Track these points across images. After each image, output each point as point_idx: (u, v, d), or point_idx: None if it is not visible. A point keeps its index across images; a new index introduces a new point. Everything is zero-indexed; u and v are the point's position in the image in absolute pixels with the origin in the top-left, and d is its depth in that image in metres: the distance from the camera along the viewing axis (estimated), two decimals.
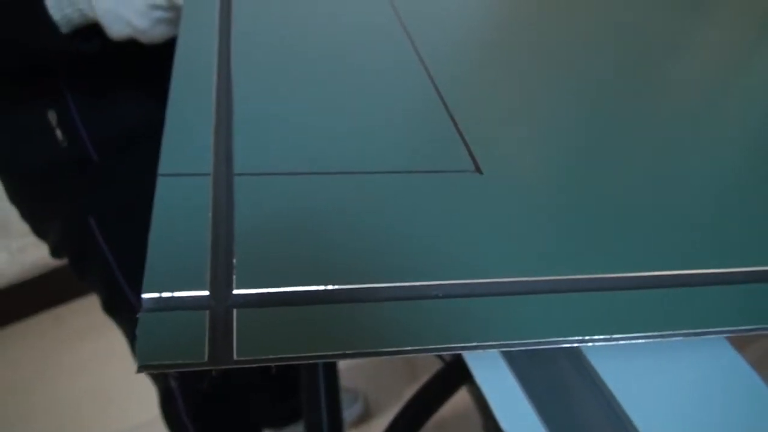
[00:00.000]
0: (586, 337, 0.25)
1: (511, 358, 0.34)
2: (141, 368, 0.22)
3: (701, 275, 0.29)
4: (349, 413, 1.19)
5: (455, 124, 0.35)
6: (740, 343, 0.32)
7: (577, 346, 0.31)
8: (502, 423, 0.31)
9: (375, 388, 1.30)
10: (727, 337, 0.32)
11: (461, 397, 0.79)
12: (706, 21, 0.60)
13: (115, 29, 0.49)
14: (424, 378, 0.72)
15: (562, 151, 0.35)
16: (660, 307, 0.27)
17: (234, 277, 0.25)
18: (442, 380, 0.72)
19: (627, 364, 0.31)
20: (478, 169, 0.32)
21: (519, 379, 0.33)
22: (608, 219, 0.31)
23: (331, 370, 0.61)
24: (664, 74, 0.47)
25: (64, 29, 0.48)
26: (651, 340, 0.26)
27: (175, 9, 0.48)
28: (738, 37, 0.57)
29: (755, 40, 0.58)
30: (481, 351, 0.28)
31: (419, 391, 0.73)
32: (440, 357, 0.76)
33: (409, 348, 0.24)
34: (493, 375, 0.34)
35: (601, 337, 0.26)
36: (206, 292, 0.24)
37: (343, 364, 0.64)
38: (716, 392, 0.30)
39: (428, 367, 0.72)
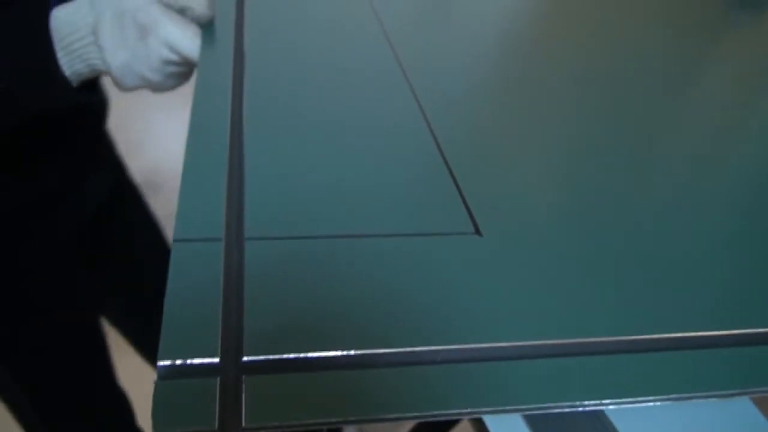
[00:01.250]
0: (577, 402, 0.26)
1: (531, 420, 0.34)
2: None
3: (716, 337, 0.30)
4: None
5: (457, 185, 0.36)
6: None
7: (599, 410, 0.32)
8: None
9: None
10: (752, 397, 0.33)
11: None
12: (711, 60, 0.61)
13: (127, 82, 0.50)
14: None
15: (564, 213, 0.36)
16: (674, 368, 0.28)
17: (244, 343, 0.26)
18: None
19: (649, 425, 0.31)
20: (477, 231, 0.33)
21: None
22: (612, 280, 0.32)
23: None
24: (671, 121, 0.48)
25: (74, 84, 0.50)
26: (666, 402, 0.27)
27: (188, 64, 0.49)
28: (746, 78, 0.58)
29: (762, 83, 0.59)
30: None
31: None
32: None
33: (411, 414, 0.25)
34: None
35: (593, 402, 0.27)
36: (217, 360, 0.25)
37: None
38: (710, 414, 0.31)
39: None
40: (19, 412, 0.74)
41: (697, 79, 0.59)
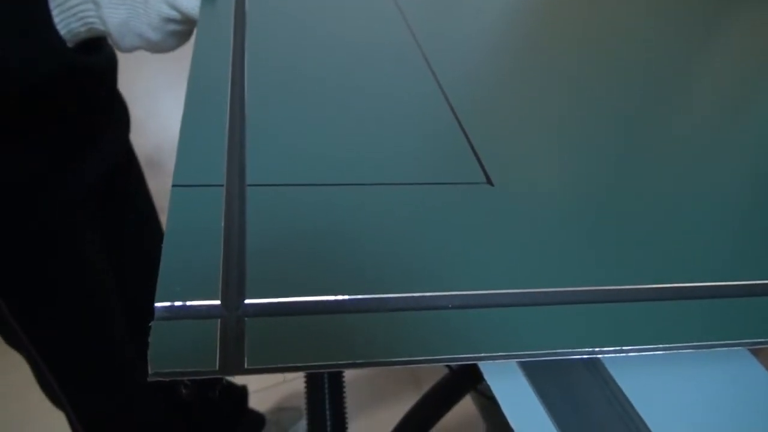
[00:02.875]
0: (596, 349, 0.25)
1: (528, 368, 0.34)
2: (154, 375, 0.22)
3: (719, 287, 0.29)
4: (295, 429, 1.18)
5: (467, 137, 0.35)
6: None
7: (595, 358, 0.31)
8: (514, 426, 0.30)
9: (378, 396, 1.30)
10: (752, 350, 0.32)
11: (465, 406, 0.79)
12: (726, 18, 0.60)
13: (126, 42, 0.49)
14: (427, 386, 0.72)
15: (574, 163, 0.35)
16: (677, 318, 0.27)
17: (246, 286, 0.25)
18: (446, 388, 0.71)
19: (647, 375, 0.31)
20: (489, 181, 0.32)
21: (535, 389, 0.33)
22: (621, 230, 0.31)
23: (337, 381, 0.61)
24: (678, 83, 0.47)
25: (69, 44, 0.48)
26: (665, 352, 0.26)
27: (189, 22, 0.48)
28: (754, 64, 0.57)
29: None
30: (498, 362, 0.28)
31: (423, 398, 0.72)
32: (447, 365, 0.76)
33: (420, 358, 0.24)
34: (508, 385, 0.34)
35: (614, 348, 0.26)
36: (218, 302, 0.24)
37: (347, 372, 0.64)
38: (738, 403, 0.30)
39: (432, 375, 0.72)
40: (37, 370, 0.74)
41: (708, 37, 0.57)
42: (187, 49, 0.46)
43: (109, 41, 0.50)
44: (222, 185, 0.29)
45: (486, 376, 0.34)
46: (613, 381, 0.31)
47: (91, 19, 0.47)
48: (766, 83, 0.52)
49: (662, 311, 0.27)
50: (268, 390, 1.26)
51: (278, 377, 1.28)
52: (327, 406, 0.67)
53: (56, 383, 0.73)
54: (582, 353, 0.25)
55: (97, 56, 0.54)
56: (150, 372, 0.22)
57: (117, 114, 0.74)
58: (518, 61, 0.47)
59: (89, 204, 0.70)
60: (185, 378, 0.22)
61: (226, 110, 0.34)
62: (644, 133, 0.40)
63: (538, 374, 0.34)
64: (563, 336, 0.26)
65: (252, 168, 0.31)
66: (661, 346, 0.26)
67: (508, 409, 0.30)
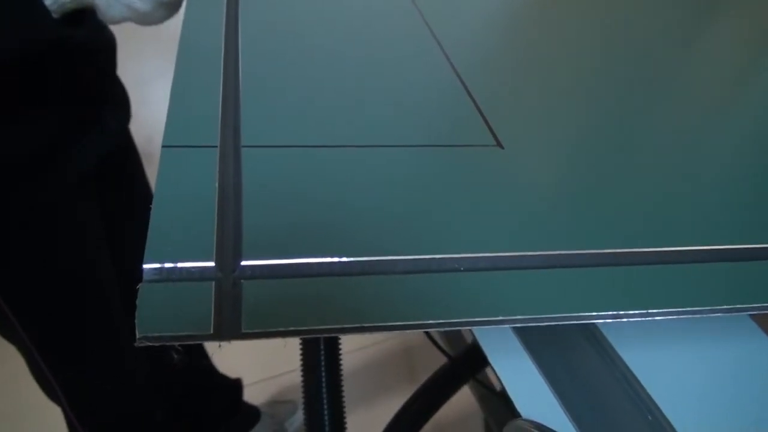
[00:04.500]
0: (605, 313, 0.24)
1: (525, 336, 0.32)
2: (141, 339, 0.20)
3: (721, 251, 0.28)
4: (290, 422, 1.16)
5: (473, 100, 0.33)
6: None
7: (596, 327, 0.30)
8: (517, 402, 0.29)
9: (376, 386, 1.29)
10: (756, 318, 0.31)
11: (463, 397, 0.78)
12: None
13: (114, 12, 0.47)
14: (424, 377, 0.71)
15: (584, 127, 0.34)
16: (680, 282, 0.26)
17: (242, 247, 0.23)
18: (444, 377, 0.70)
19: (649, 344, 0.29)
20: (499, 144, 0.30)
21: (535, 361, 0.31)
22: (630, 194, 0.29)
23: (335, 370, 0.59)
24: (685, 46, 0.45)
25: (55, 15, 0.47)
26: (666, 317, 0.25)
27: None
28: (748, 47, 0.56)
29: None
30: (496, 334, 0.26)
31: (421, 388, 0.71)
32: (445, 353, 0.75)
33: (426, 322, 0.22)
34: (506, 354, 0.32)
35: (620, 312, 0.24)
36: (212, 263, 0.22)
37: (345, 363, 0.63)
38: (740, 370, 0.29)
39: (429, 366, 0.70)
40: (30, 360, 0.71)
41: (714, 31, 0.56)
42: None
43: (98, 13, 0.48)
44: (216, 146, 0.28)
45: (482, 345, 0.32)
46: (612, 348, 0.29)
47: None
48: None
49: (666, 275, 0.26)
50: (263, 383, 1.24)
51: (273, 370, 1.26)
52: (324, 398, 0.65)
53: (49, 372, 0.71)
54: (587, 318, 0.24)
55: (85, 30, 0.51)
56: (137, 336, 0.20)
57: (117, 96, 0.72)
58: (524, 24, 0.45)
59: (88, 186, 0.68)
60: (176, 343, 0.21)
61: (219, 70, 0.32)
62: (652, 97, 0.39)
63: (536, 343, 0.32)
64: (569, 299, 0.24)
65: (247, 129, 0.29)
66: (663, 310, 0.24)
67: (504, 375, 0.29)
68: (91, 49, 0.60)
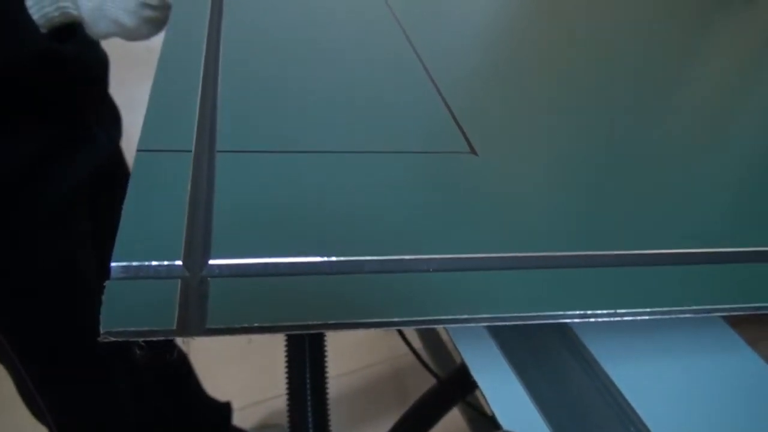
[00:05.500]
0: (569, 312, 0.24)
1: (500, 337, 0.32)
2: (105, 334, 0.20)
3: (693, 254, 0.28)
4: None
5: (449, 108, 0.34)
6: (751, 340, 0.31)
7: (578, 338, 0.29)
8: (498, 414, 0.29)
9: (366, 410, 1.27)
10: (725, 319, 0.31)
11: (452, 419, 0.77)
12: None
13: (100, 28, 0.47)
14: (415, 398, 0.70)
15: (556, 133, 0.34)
16: (651, 284, 0.26)
17: (211, 247, 0.23)
18: (433, 399, 0.69)
19: (623, 345, 0.29)
20: (473, 151, 0.31)
21: (517, 372, 0.31)
22: (601, 198, 0.29)
23: (319, 373, 0.59)
24: (666, 59, 0.46)
25: (43, 30, 0.47)
26: (636, 318, 0.25)
27: (165, 8, 0.47)
28: (745, 57, 0.57)
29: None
30: (478, 346, 0.26)
31: (410, 410, 0.70)
32: (432, 373, 0.74)
33: (392, 320, 0.22)
34: (480, 353, 0.32)
35: (582, 313, 0.24)
36: (179, 262, 0.22)
37: (332, 386, 0.62)
38: (712, 370, 0.29)
39: (421, 388, 0.70)
40: (18, 380, 0.70)
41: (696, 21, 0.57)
42: None
43: (85, 28, 0.49)
44: (190, 151, 0.28)
45: (458, 345, 0.32)
46: (595, 360, 0.29)
47: (64, 3, 0.46)
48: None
49: (638, 277, 0.26)
50: (252, 407, 1.23)
51: (261, 393, 1.24)
52: (309, 418, 0.65)
53: (37, 392, 0.71)
54: (557, 317, 0.24)
55: (74, 44, 0.52)
56: (101, 332, 0.20)
57: (109, 113, 0.72)
58: (502, 32, 0.46)
59: (79, 203, 0.68)
60: (140, 339, 0.20)
61: (198, 76, 0.32)
62: (624, 104, 0.39)
63: (518, 354, 0.32)
64: (540, 300, 0.24)
65: (223, 134, 0.29)
66: (631, 310, 0.24)
67: (480, 377, 0.29)
68: (82, 64, 0.60)
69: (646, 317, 0.25)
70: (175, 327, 0.20)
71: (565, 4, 0.58)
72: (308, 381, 0.64)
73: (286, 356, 0.62)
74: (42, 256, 0.64)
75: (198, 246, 0.23)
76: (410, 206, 0.27)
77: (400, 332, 0.74)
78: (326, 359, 0.65)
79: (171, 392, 0.90)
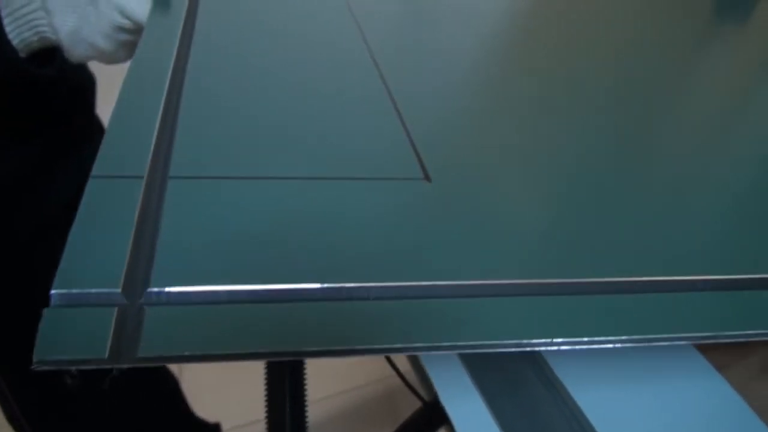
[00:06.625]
0: (533, 341, 0.24)
1: (471, 364, 0.32)
2: (38, 363, 0.20)
3: (657, 282, 0.28)
4: None
5: (407, 132, 0.34)
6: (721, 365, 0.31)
7: (549, 367, 0.29)
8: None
9: (355, 428, 1.27)
10: (697, 347, 0.31)
11: None
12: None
13: (78, 52, 0.48)
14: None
15: (509, 159, 0.34)
16: (619, 312, 0.26)
17: (152, 275, 0.23)
18: (418, 422, 0.69)
19: (592, 371, 0.29)
20: (426, 177, 0.31)
21: (477, 384, 0.31)
22: (557, 224, 0.30)
23: (298, 385, 0.59)
24: (624, 76, 0.46)
25: (22, 54, 0.48)
26: (604, 345, 0.25)
27: (140, 32, 0.47)
28: (739, 83, 0.57)
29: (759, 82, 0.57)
30: (449, 374, 0.26)
31: (400, 428, 0.70)
32: (418, 396, 0.74)
33: (331, 348, 0.22)
34: (450, 380, 0.32)
35: (546, 341, 0.24)
36: (118, 290, 0.22)
37: (320, 407, 0.62)
38: (683, 400, 0.29)
39: (411, 407, 0.70)
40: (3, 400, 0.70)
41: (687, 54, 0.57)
42: None
43: (63, 52, 0.49)
44: (142, 177, 0.28)
45: (429, 372, 0.32)
46: (556, 376, 0.29)
47: (42, 28, 0.47)
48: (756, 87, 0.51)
49: (603, 305, 0.26)
50: (244, 428, 1.22)
51: (250, 415, 1.24)
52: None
53: (22, 415, 0.71)
54: (517, 345, 0.24)
55: (54, 68, 0.52)
56: (34, 360, 0.20)
57: (95, 133, 0.73)
58: (464, 55, 0.46)
59: (61, 226, 0.68)
60: (72, 367, 0.20)
61: (160, 103, 0.33)
62: (585, 131, 0.39)
63: (482, 370, 0.32)
64: (502, 328, 0.24)
65: (179, 160, 0.29)
66: (598, 339, 0.24)
67: (449, 405, 0.29)
68: (63, 85, 0.61)
69: (617, 345, 0.25)
70: (107, 356, 0.20)
71: (536, 31, 0.58)
72: (288, 406, 0.64)
73: (266, 380, 0.63)
74: (28, 280, 0.64)
75: (139, 273, 0.23)
76: (357, 233, 0.27)
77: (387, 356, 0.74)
78: (306, 384, 0.65)
79: (160, 412, 0.90)
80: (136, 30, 0.47)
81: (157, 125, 0.31)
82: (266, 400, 0.62)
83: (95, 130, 0.74)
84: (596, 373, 0.29)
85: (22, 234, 0.64)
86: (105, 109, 0.73)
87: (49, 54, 0.51)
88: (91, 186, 0.27)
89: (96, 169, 0.28)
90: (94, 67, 0.62)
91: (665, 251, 0.29)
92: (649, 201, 0.33)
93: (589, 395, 0.29)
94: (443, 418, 0.74)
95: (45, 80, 0.52)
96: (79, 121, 0.69)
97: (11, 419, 0.74)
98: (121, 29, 0.47)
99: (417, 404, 0.74)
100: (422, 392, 0.82)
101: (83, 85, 0.67)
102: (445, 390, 0.33)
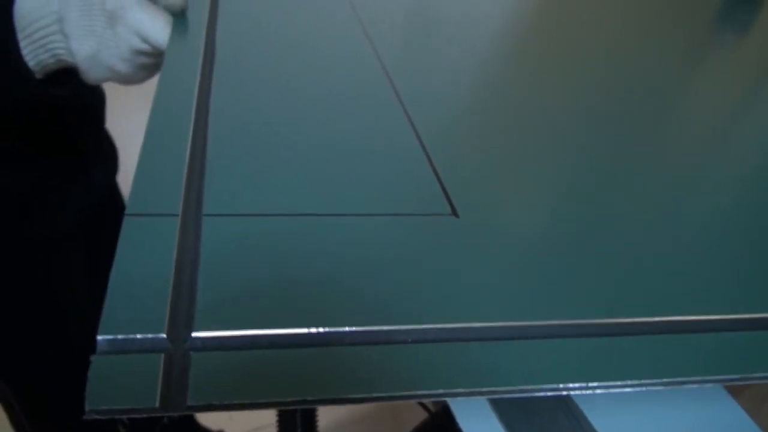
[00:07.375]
0: (567, 385, 0.24)
1: (500, 407, 0.32)
2: (90, 412, 0.21)
3: (691, 322, 0.28)
4: None
5: (433, 168, 0.34)
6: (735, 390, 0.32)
7: (573, 401, 0.30)
8: None
9: None
10: (725, 385, 0.31)
11: None
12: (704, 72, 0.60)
13: (95, 75, 0.48)
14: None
15: (541, 196, 0.35)
16: (648, 354, 0.26)
17: (195, 319, 0.24)
18: (426, 430, 0.70)
19: (621, 413, 0.30)
20: (454, 213, 0.31)
21: (507, 429, 0.32)
22: (588, 265, 0.30)
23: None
24: (651, 118, 0.47)
25: (38, 75, 0.48)
26: (635, 389, 0.25)
27: (159, 54, 0.47)
28: (737, 96, 0.57)
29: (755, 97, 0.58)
30: (473, 408, 0.27)
31: None
32: (424, 407, 0.74)
33: (374, 395, 0.22)
34: (480, 425, 0.32)
35: (581, 385, 0.24)
36: (163, 335, 0.23)
37: (328, 415, 0.62)
38: (696, 419, 0.29)
39: (416, 418, 0.70)
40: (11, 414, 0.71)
41: (688, 70, 0.57)
42: None
43: (80, 74, 0.49)
44: (177, 215, 0.28)
45: (457, 417, 0.33)
46: (586, 420, 0.29)
47: (59, 51, 0.47)
48: (745, 117, 0.52)
49: (634, 347, 0.26)
50: None
51: (255, 423, 1.24)
52: None
53: (29, 425, 0.71)
54: (552, 390, 0.24)
55: (69, 89, 0.53)
56: (86, 410, 0.21)
57: (104, 149, 0.73)
58: (488, 91, 0.47)
59: (74, 241, 0.68)
60: (123, 416, 0.21)
61: (188, 139, 0.33)
62: (613, 167, 0.40)
63: (511, 414, 0.32)
64: (533, 372, 0.24)
65: (210, 198, 0.30)
66: (630, 382, 0.25)
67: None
68: (77, 103, 0.61)
69: (650, 388, 0.25)
70: (157, 404, 0.21)
71: (556, 57, 0.59)
72: (299, 414, 0.64)
73: None
74: (38, 298, 0.65)
75: (182, 317, 0.24)
76: (392, 272, 0.27)
77: None
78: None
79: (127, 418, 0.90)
80: (155, 53, 0.47)
81: (187, 158, 0.32)
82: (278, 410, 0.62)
83: (104, 143, 0.74)
84: (627, 416, 0.30)
85: (34, 246, 0.64)
86: (112, 121, 0.74)
87: (65, 73, 0.51)
88: (127, 224, 0.28)
89: (130, 207, 0.28)
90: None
91: (694, 291, 0.30)
92: (677, 239, 0.34)
93: (597, 410, 0.29)
94: (452, 429, 0.75)
95: (59, 100, 0.52)
96: (88, 135, 0.69)
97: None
98: (140, 53, 0.47)
99: (421, 414, 0.75)
100: (429, 402, 0.83)
101: (94, 102, 0.67)
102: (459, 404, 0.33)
